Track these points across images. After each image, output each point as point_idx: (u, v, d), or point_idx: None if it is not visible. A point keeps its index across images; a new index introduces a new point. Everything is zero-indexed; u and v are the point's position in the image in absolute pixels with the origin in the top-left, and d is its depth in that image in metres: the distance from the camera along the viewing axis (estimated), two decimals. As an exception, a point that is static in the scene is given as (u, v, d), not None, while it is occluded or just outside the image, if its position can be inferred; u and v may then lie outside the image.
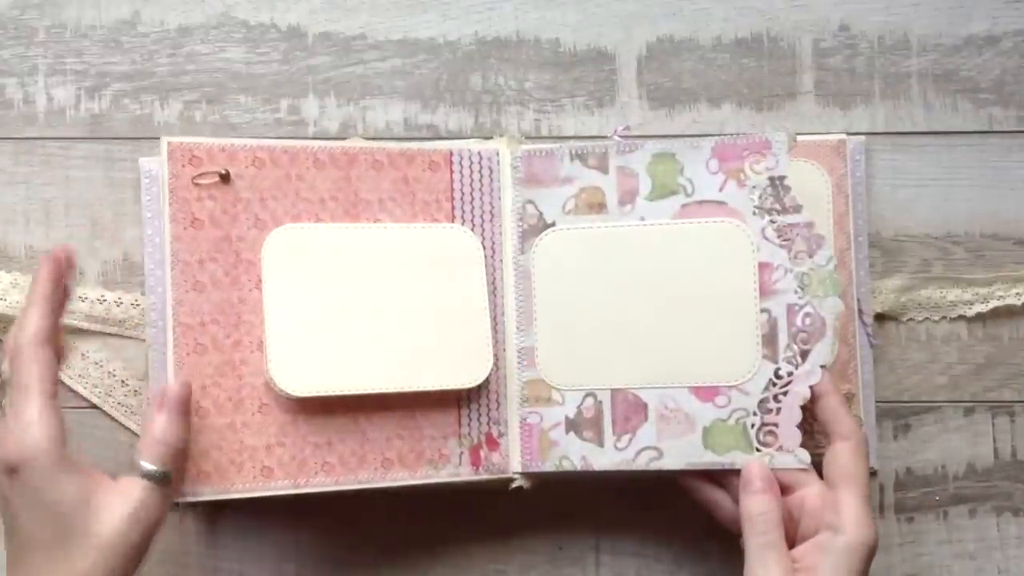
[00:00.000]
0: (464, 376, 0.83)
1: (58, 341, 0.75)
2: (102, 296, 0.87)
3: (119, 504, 0.71)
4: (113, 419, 0.87)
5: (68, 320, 0.86)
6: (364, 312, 0.81)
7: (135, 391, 0.87)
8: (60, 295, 0.75)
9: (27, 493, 0.69)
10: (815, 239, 0.80)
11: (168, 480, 0.73)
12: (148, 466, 0.73)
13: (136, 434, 0.86)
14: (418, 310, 0.82)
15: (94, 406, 0.87)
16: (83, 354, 0.87)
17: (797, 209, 0.81)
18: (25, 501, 0.70)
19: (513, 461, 0.85)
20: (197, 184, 0.79)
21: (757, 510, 0.77)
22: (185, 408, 0.76)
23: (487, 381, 0.84)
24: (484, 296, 0.84)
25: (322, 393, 0.80)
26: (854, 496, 0.76)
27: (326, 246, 0.81)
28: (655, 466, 0.83)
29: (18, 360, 0.72)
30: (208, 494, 0.79)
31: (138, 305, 0.87)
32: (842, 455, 0.78)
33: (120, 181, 0.88)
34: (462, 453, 0.84)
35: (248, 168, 0.80)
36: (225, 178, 0.79)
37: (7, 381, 0.73)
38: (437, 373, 0.82)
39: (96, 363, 0.87)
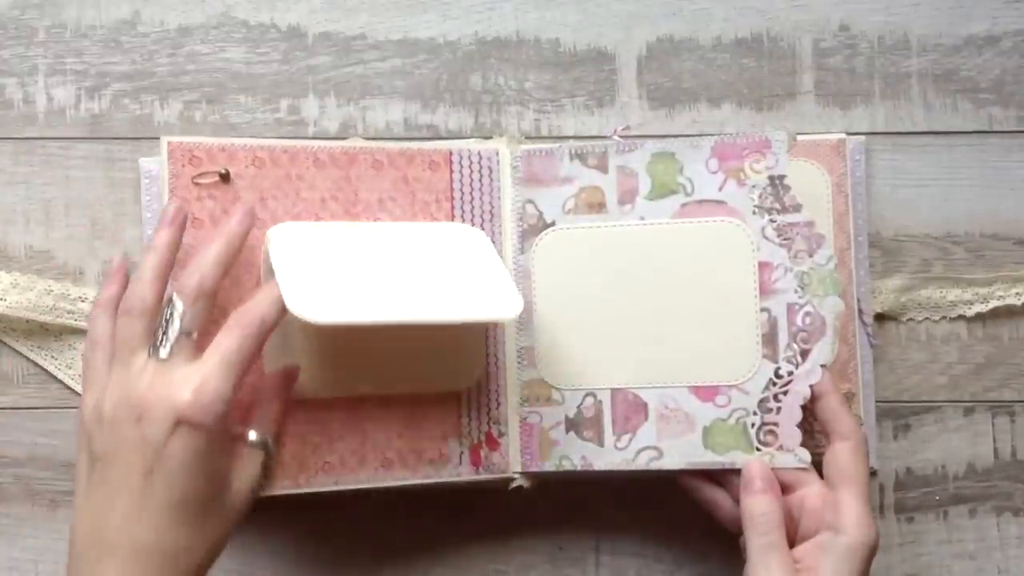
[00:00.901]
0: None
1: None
2: (102, 296, 0.87)
3: (248, 476, 0.74)
4: (113, 419, 0.87)
5: (68, 320, 0.86)
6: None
7: (135, 391, 0.87)
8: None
9: (188, 453, 0.69)
10: (815, 238, 0.80)
11: (271, 451, 0.77)
12: (263, 437, 0.76)
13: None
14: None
15: (94, 406, 0.87)
16: (83, 354, 0.87)
17: (797, 208, 0.81)
18: (183, 460, 0.69)
19: (513, 461, 0.85)
20: (197, 184, 0.79)
21: (759, 510, 0.77)
22: (290, 389, 0.78)
23: (487, 380, 0.84)
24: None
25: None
26: (854, 496, 0.76)
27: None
28: (655, 466, 0.83)
29: (235, 330, 0.72)
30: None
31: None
32: (842, 455, 0.77)
33: (120, 181, 0.88)
34: (462, 453, 0.84)
35: (248, 168, 0.80)
36: (225, 178, 0.79)
37: (186, 325, 0.72)
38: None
39: (96, 363, 0.87)
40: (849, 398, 0.85)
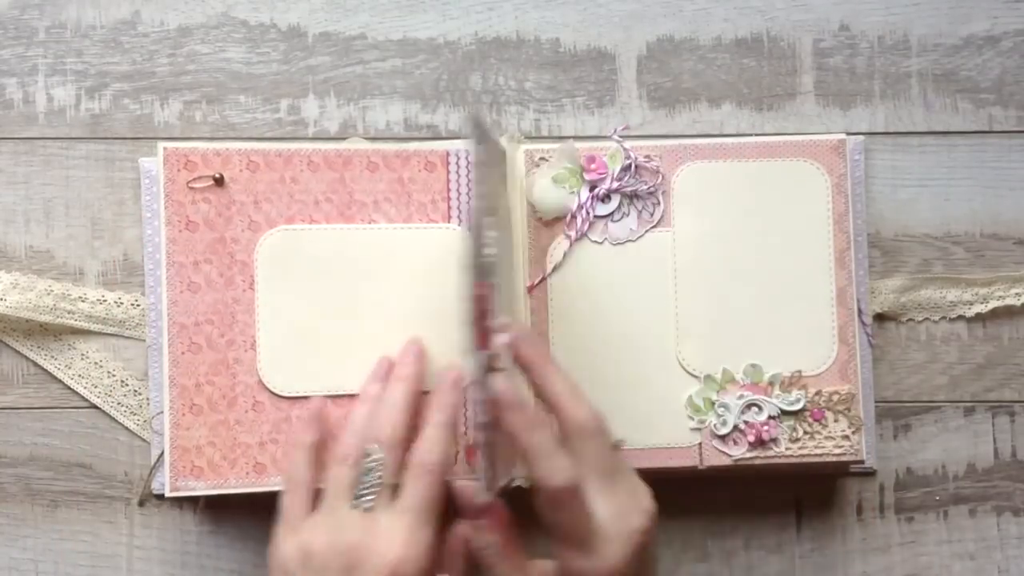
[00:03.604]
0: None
1: None
2: (102, 296, 0.87)
3: None
4: (113, 419, 0.87)
5: (68, 320, 0.86)
6: (356, 313, 0.82)
7: (135, 391, 0.87)
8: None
9: None
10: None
11: None
12: None
13: (136, 434, 0.87)
14: (410, 311, 0.82)
15: (94, 406, 0.87)
16: (83, 354, 0.87)
17: None
18: None
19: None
20: (192, 188, 0.79)
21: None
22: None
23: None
24: None
25: (311, 394, 0.80)
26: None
27: (319, 247, 0.81)
28: None
29: (421, 479, 0.74)
30: (201, 489, 0.79)
31: (138, 305, 0.87)
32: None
33: (120, 181, 0.88)
34: (457, 452, 0.84)
35: (242, 171, 0.81)
36: (219, 181, 0.79)
37: (375, 477, 0.75)
38: (429, 376, 0.83)
39: (96, 363, 0.87)
40: (849, 398, 0.85)
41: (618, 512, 0.72)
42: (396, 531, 0.72)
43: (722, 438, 0.84)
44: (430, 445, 0.75)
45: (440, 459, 0.75)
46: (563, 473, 0.70)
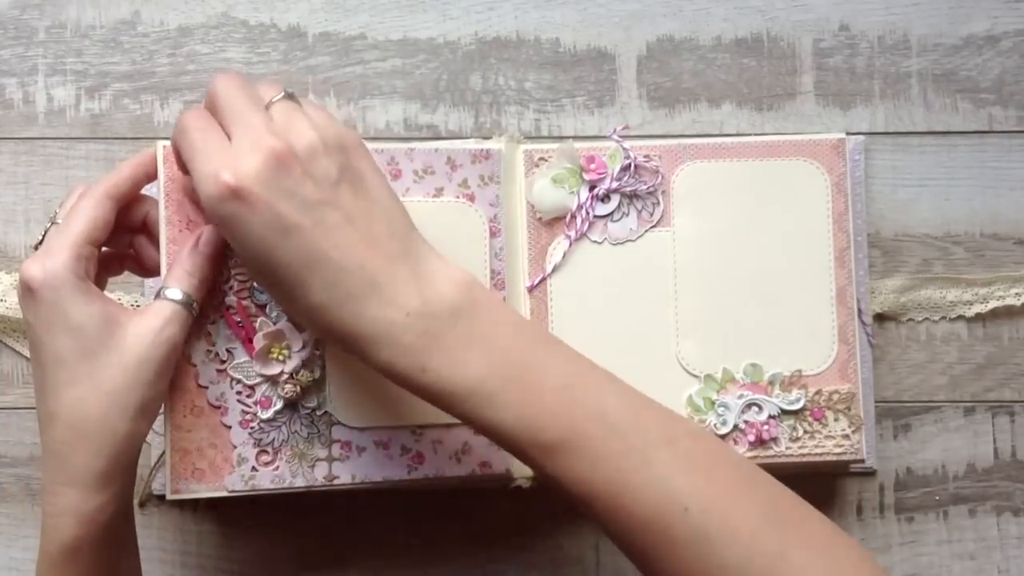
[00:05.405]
0: None
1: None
2: (102, 296, 0.87)
3: (146, 322, 0.72)
4: (113, 419, 0.87)
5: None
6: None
7: (135, 391, 0.87)
8: (146, 180, 0.77)
9: (46, 313, 0.70)
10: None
11: (192, 308, 0.74)
12: (176, 292, 0.73)
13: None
14: None
15: (94, 406, 0.87)
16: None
17: None
18: (45, 321, 0.70)
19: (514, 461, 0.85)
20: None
21: None
22: (217, 252, 0.76)
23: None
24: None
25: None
26: None
27: None
28: None
29: (78, 201, 0.73)
30: (203, 491, 0.79)
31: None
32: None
33: (120, 181, 0.88)
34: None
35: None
36: (220, 180, 0.79)
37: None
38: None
39: (96, 363, 0.87)
40: (849, 398, 0.85)
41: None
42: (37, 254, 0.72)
43: (722, 438, 0.84)
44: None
45: (97, 184, 0.74)
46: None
